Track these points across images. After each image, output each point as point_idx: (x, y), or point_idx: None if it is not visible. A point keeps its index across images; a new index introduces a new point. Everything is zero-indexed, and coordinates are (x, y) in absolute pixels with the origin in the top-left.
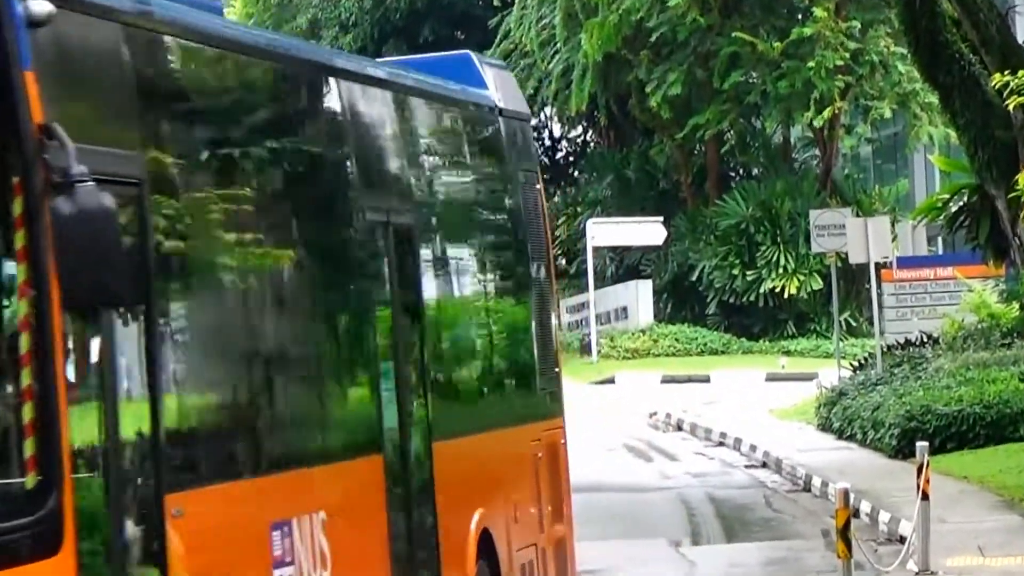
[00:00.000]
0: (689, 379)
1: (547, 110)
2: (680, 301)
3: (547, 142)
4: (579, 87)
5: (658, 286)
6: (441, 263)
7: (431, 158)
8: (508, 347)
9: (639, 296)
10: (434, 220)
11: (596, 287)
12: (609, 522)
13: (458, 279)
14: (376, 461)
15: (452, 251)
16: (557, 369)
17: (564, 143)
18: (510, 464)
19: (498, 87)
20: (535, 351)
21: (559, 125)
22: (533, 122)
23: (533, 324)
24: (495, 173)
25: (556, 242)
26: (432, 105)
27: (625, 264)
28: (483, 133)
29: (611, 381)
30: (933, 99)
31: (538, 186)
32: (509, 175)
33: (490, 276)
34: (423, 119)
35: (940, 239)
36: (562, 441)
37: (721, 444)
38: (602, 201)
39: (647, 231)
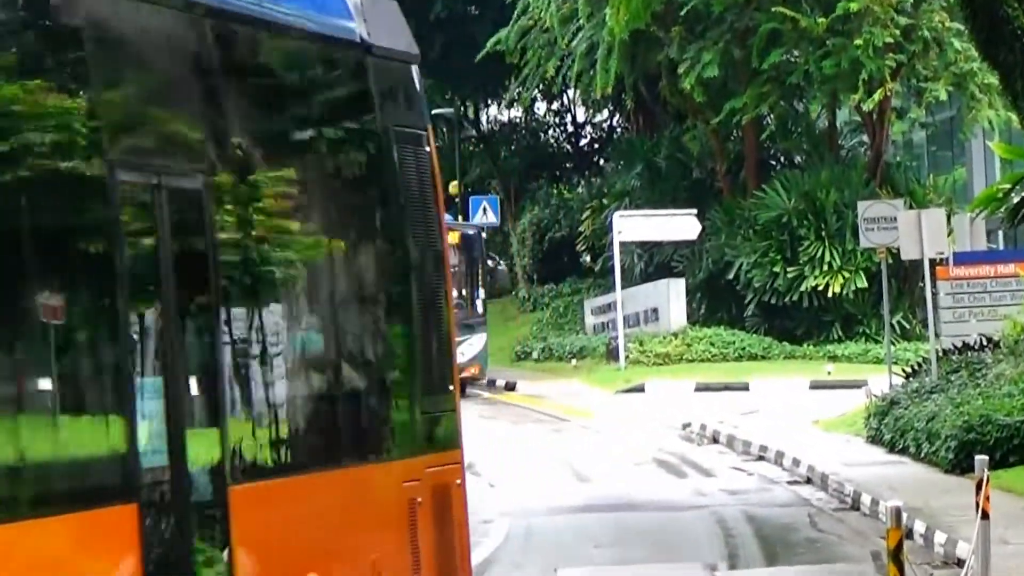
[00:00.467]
0: (726, 387)
1: (569, 93)
2: (716, 302)
3: (570, 128)
4: (604, 67)
5: (691, 285)
6: (251, 240)
7: (246, 104)
8: (365, 355)
9: (671, 296)
10: (243, 186)
11: (623, 286)
12: (638, 544)
13: (280, 263)
14: (126, 513)
15: (267, 225)
16: (451, 387)
17: (588, 129)
18: (366, 513)
19: (368, 17)
20: (414, 361)
21: (583, 109)
22: (555, 105)
23: (413, 327)
24: (354, 129)
25: (580, 237)
26: (251, 32)
27: (655, 261)
28: (335, 75)
29: (640, 389)
30: (993, 79)
31: (427, 149)
32: (378, 133)
33: (338, 263)
34: (236, 51)
35: (1001, 233)
36: (457, 481)
37: (761, 458)
38: (630, 192)
39: (679, 225)
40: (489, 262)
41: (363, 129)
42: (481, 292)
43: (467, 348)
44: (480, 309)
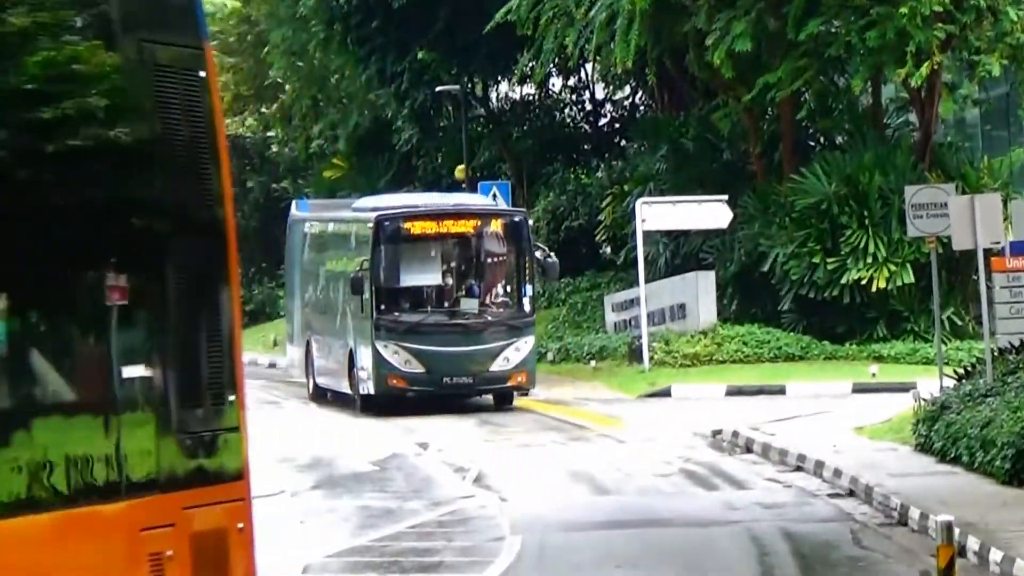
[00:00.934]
0: (760, 391)
1: (587, 68)
2: (749, 296)
3: (588, 106)
4: (624, 39)
5: (722, 279)
6: None
7: None
8: (75, 353)
9: (700, 291)
10: None
11: (647, 280)
12: (664, 563)
13: None
14: None
15: None
16: (231, 398)
17: (608, 107)
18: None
19: None
20: (162, 362)
21: (602, 86)
22: (571, 81)
23: (163, 316)
24: (77, 40)
25: (600, 227)
26: None
27: (682, 252)
28: None
29: (666, 393)
30: None
31: (201, 74)
32: (117, 45)
33: (37, 225)
34: None
35: None
36: (239, 526)
37: (799, 468)
38: (655, 176)
39: (709, 212)
40: (538, 253)
41: (90, 39)
42: (529, 288)
43: (512, 353)
44: (528, 308)
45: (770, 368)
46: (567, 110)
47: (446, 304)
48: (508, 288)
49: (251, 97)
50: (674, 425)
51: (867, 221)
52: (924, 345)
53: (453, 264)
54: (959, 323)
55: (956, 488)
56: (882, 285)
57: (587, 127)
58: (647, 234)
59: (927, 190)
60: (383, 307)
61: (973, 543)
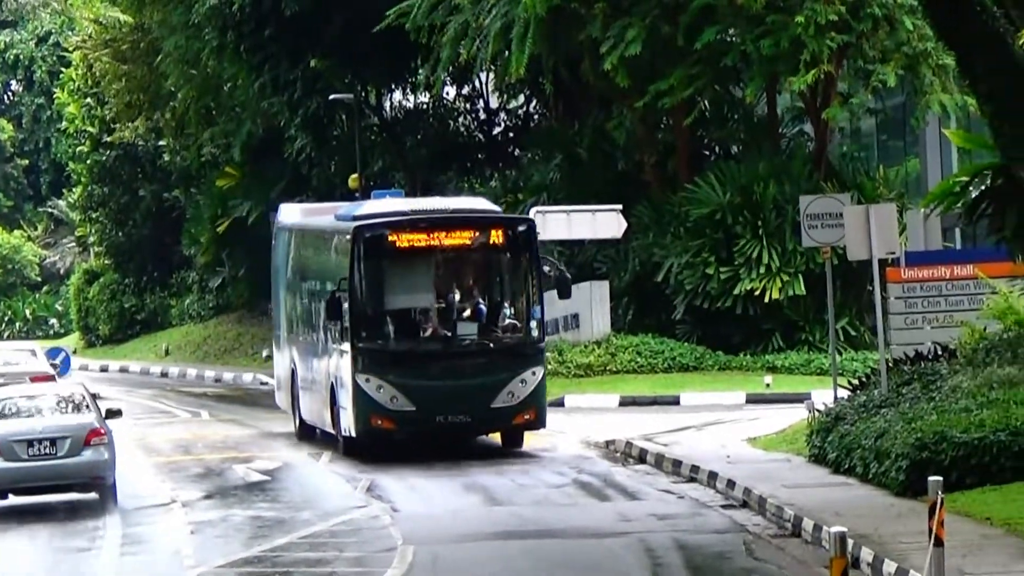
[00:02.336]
0: (654, 401)
1: (483, 76)
2: (643, 307)
3: (482, 115)
4: (520, 48)
5: (616, 289)
6: None
7: None
8: None
9: (593, 301)
10: None
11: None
12: (558, 574)
13: None
14: None
15: None
16: None
17: (502, 116)
18: None
19: None
20: None
21: (497, 95)
22: (465, 90)
23: None
24: None
25: None
26: None
27: (576, 262)
28: None
29: (559, 404)
30: (949, 61)
31: None
32: None
33: None
34: None
35: (958, 231)
36: None
37: (692, 479)
38: (549, 186)
39: (603, 222)
40: (545, 267)
41: None
42: (537, 310)
43: (517, 387)
44: (536, 333)
45: (664, 378)
46: (461, 119)
47: (440, 330)
48: (513, 309)
49: (144, 105)
50: (567, 436)
51: (761, 231)
52: (819, 355)
53: (448, 282)
54: (854, 334)
55: (850, 499)
56: (775, 296)
57: (481, 136)
58: (541, 244)
59: (822, 200)
60: (364, 334)
61: (867, 555)
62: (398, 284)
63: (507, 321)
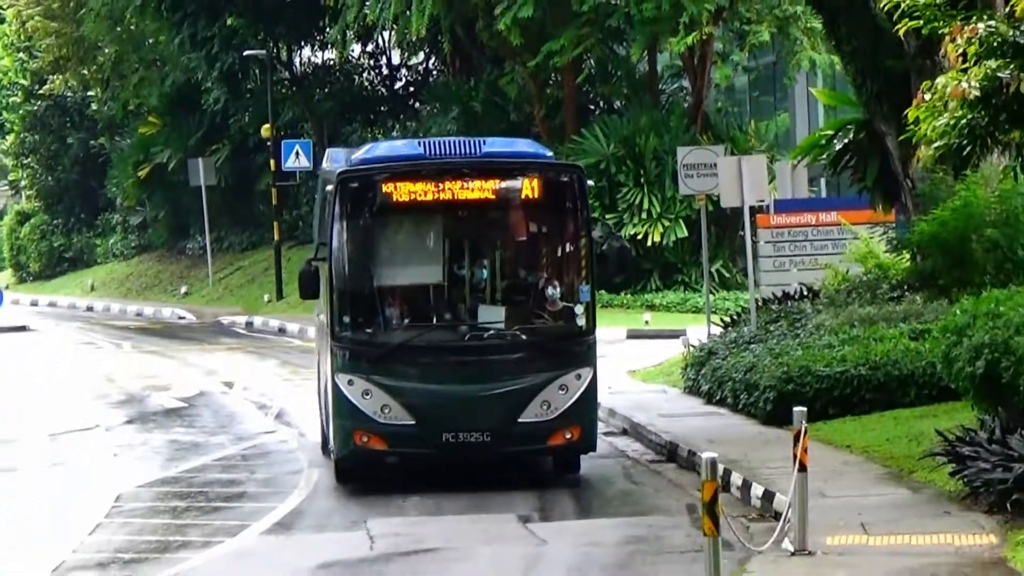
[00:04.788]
0: None
1: (385, 35)
2: None
3: (385, 71)
4: (419, 8)
5: None
6: None
7: None
8: None
9: None
10: None
11: None
12: (452, 496)
13: None
14: None
15: None
16: None
17: (404, 72)
18: None
19: None
20: None
21: (399, 52)
22: (369, 47)
23: None
24: None
25: None
26: None
27: None
28: None
29: None
30: (817, 23)
31: None
32: None
33: None
34: None
35: (823, 181)
36: None
37: None
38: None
39: None
40: (596, 232)
41: None
42: (586, 289)
43: (555, 394)
44: (583, 321)
45: None
46: (365, 74)
47: (450, 315)
48: (552, 288)
49: (72, 59)
50: None
51: (643, 180)
52: (694, 295)
53: (463, 251)
54: (727, 275)
55: (721, 427)
56: (657, 239)
57: (384, 90)
58: None
59: (697, 151)
60: (347, 320)
61: (736, 479)
62: (394, 252)
63: (542, 305)
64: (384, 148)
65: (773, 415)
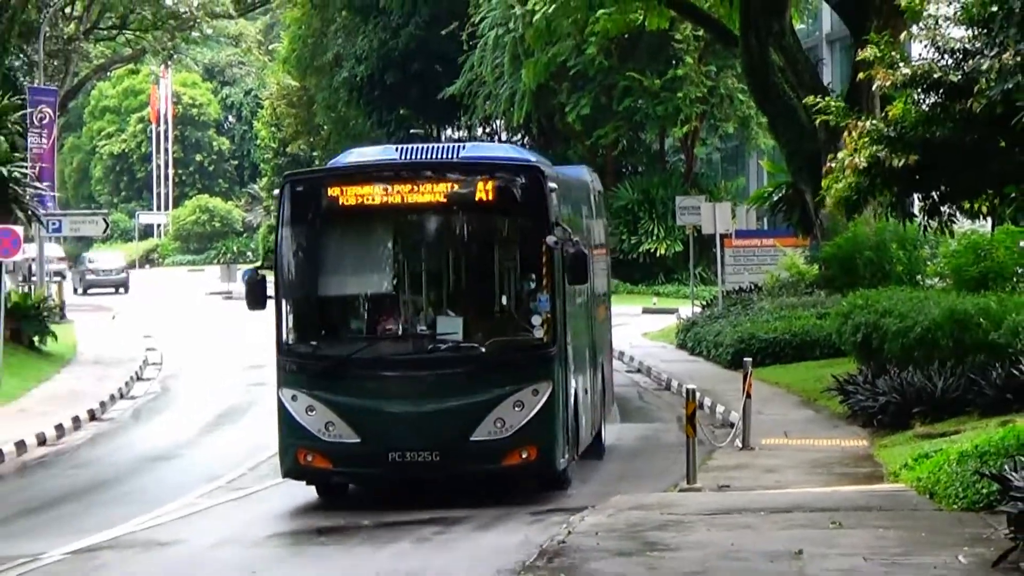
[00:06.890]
0: None
1: (498, 123)
2: None
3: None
4: (519, 107)
5: None
6: None
7: None
8: None
9: None
10: None
11: None
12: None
13: None
14: None
15: None
16: None
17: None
18: None
19: None
20: None
21: (505, 133)
22: (486, 130)
23: None
24: None
25: None
26: None
27: None
28: None
29: None
30: (764, 121)
31: None
32: None
33: None
34: None
35: (765, 219)
36: None
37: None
38: None
39: None
40: (551, 238)
41: None
42: (545, 298)
43: (509, 411)
44: (541, 332)
45: None
46: None
47: (399, 327)
48: (509, 298)
49: (304, 132)
50: None
51: (654, 216)
52: (684, 287)
53: (416, 258)
54: (706, 276)
55: (699, 370)
56: (662, 252)
57: None
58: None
59: (689, 199)
60: (291, 331)
61: (708, 401)
62: (340, 260)
63: (497, 315)
64: (356, 153)
65: (731, 363)
